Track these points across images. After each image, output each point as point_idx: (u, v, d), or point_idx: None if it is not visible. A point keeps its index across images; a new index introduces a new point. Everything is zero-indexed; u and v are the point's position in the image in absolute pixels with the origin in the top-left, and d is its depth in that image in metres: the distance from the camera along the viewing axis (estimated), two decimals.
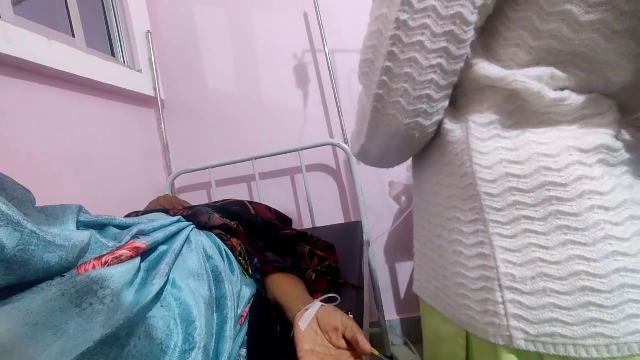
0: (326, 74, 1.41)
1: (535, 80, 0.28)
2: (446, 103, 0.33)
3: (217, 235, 0.64)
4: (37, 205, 0.47)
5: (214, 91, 1.52)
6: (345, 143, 1.33)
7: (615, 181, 0.27)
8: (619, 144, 0.28)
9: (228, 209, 0.73)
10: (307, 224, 1.44)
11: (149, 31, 1.47)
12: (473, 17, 0.28)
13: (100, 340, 0.30)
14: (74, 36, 1.12)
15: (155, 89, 1.47)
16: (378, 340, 1.38)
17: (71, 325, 0.31)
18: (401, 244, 1.42)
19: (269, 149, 1.38)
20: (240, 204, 0.80)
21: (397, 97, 0.32)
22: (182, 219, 0.62)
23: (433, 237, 0.38)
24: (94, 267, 0.39)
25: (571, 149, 0.28)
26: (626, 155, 0.28)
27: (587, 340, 0.26)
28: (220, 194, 1.48)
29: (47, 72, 0.97)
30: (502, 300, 0.30)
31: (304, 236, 0.77)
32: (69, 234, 0.41)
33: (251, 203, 0.83)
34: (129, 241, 0.47)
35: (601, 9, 0.26)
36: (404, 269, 1.44)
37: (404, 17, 0.29)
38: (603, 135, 0.28)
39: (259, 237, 0.74)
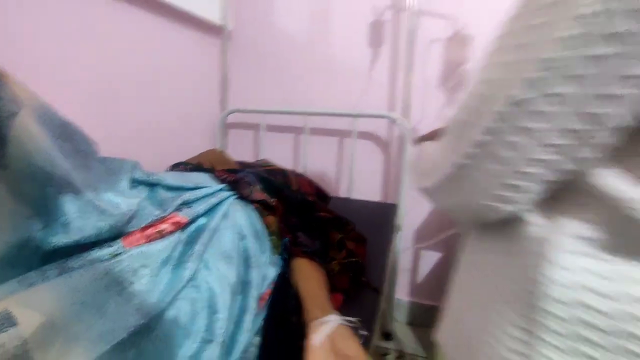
0: (404, 38, 1.28)
1: None
2: (544, 190, 0.28)
3: (255, 208, 0.65)
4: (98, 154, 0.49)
5: (283, 33, 1.44)
6: (405, 118, 1.25)
7: None
8: None
9: (271, 180, 0.73)
10: (343, 192, 1.44)
11: None
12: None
13: (133, 331, 0.33)
14: None
15: (224, 18, 1.41)
16: (383, 313, 1.44)
17: (111, 305, 0.34)
18: (432, 233, 1.39)
19: (325, 105, 1.33)
20: (284, 174, 0.80)
21: (483, 174, 0.27)
22: (225, 188, 0.63)
23: (472, 305, 0.36)
24: (137, 242, 0.41)
25: None
26: None
27: None
28: (269, 139, 1.49)
29: None
30: None
31: (339, 221, 0.77)
32: (120, 202, 0.43)
33: (294, 174, 0.82)
34: (171, 213, 0.48)
35: None
36: (427, 257, 1.43)
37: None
38: None
39: (294, 213, 0.74)
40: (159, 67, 1.16)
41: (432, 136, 0.45)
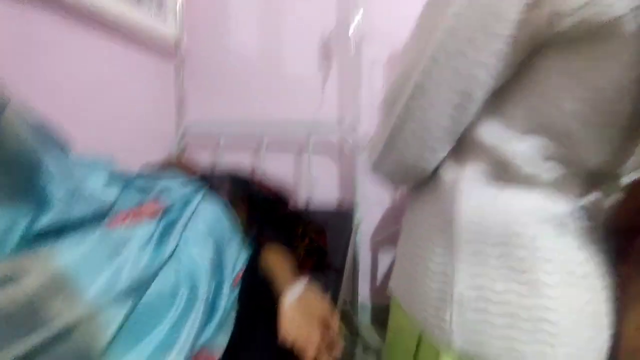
0: (350, 59, 1.43)
1: (519, 155, 0.34)
2: (450, 146, 0.39)
3: (224, 203, 0.71)
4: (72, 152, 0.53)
5: (236, 54, 1.53)
6: (355, 129, 1.38)
7: (563, 241, 0.34)
8: (575, 214, 0.34)
9: (237, 178, 0.79)
10: (302, 201, 1.51)
11: None
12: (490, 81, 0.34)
13: (129, 286, 0.37)
14: None
15: (178, 40, 1.48)
16: (348, 317, 1.50)
17: (107, 270, 0.38)
18: (387, 236, 1.50)
19: (280, 121, 1.42)
20: (248, 175, 0.86)
21: (410, 131, 0.38)
22: (195, 183, 0.68)
23: (412, 249, 0.45)
24: (122, 222, 0.46)
25: (535, 210, 0.34)
26: (579, 224, 0.35)
27: (503, 353, 0.34)
28: (226, 156, 1.54)
29: (79, 7, 1.00)
30: (450, 311, 0.37)
31: (299, 216, 0.84)
32: (102, 190, 0.48)
33: (256, 175, 0.89)
34: (150, 200, 0.53)
35: (584, 103, 0.31)
36: (385, 259, 1.53)
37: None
38: (563, 205, 0.34)
39: (259, 210, 0.80)
40: (113, 85, 1.18)
41: None
